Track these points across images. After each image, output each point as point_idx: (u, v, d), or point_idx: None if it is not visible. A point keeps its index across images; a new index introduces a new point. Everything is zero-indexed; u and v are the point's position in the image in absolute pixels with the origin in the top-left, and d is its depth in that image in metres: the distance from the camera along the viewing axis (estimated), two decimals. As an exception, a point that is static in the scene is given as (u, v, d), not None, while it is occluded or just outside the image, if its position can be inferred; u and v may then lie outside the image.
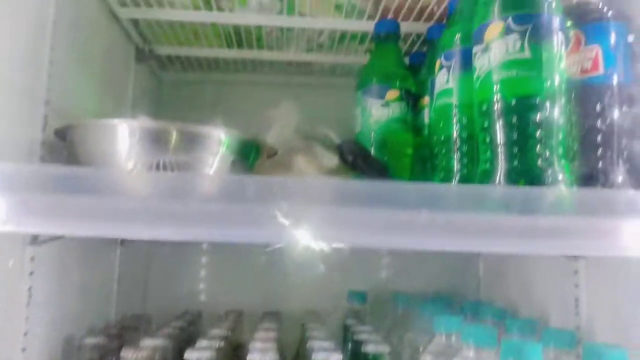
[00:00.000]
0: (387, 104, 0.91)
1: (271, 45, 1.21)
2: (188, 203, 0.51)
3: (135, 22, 1.11)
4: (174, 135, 0.65)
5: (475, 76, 0.64)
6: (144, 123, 0.66)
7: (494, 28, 0.62)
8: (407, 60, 1.09)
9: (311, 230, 0.50)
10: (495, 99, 0.61)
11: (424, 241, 0.52)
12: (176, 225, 0.52)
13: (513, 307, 1.04)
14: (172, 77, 1.40)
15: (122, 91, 1.14)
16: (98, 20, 0.99)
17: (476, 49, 0.64)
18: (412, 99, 0.92)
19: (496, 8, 0.62)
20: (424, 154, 0.88)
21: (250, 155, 0.74)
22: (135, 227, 0.52)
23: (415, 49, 1.15)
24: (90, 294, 0.96)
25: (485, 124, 0.63)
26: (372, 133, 0.91)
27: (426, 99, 0.89)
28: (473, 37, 0.65)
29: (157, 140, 0.65)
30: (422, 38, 1.09)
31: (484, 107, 0.63)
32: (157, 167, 0.64)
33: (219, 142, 0.68)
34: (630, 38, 0.66)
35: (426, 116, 0.89)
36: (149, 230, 0.52)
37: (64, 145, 0.72)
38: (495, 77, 0.61)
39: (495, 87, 0.61)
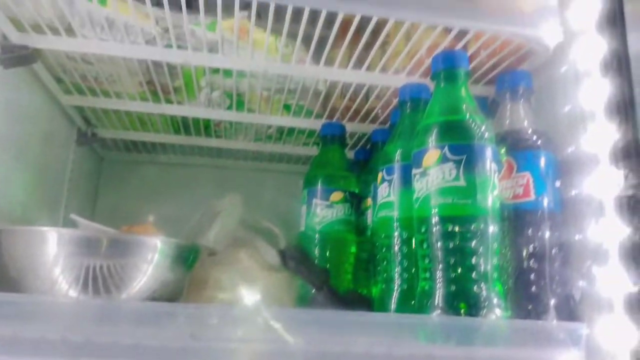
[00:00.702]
0: (331, 205, 0.95)
1: (219, 134, 1.24)
2: (113, 333, 0.52)
3: (80, 108, 1.13)
4: (105, 244, 0.66)
5: (414, 197, 0.70)
6: (74, 232, 0.67)
7: (432, 155, 0.67)
8: (352, 155, 1.16)
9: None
10: (433, 223, 0.66)
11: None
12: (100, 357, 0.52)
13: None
14: (114, 157, 1.41)
15: (59, 172, 1.15)
16: (38, 107, 1.01)
17: (415, 171, 0.70)
18: (356, 200, 0.97)
19: (433, 137, 0.68)
20: (367, 253, 0.93)
21: (188, 259, 0.75)
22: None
23: (360, 144, 1.21)
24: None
25: (424, 246, 0.68)
26: (316, 233, 0.95)
27: (369, 200, 0.93)
28: (412, 159, 0.71)
29: (87, 247, 0.66)
30: (367, 136, 1.15)
31: (423, 229, 0.68)
32: (87, 276, 0.65)
33: (153, 249, 0.69)
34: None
35: (369, 217, 0.93)
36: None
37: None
38: (433, 201, 0.66)
39: (433, 212, 0.66)
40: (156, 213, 0.85)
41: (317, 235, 0.95)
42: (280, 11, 0.74)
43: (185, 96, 1.04)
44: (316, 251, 0.94)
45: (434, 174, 0.67)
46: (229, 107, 1.08)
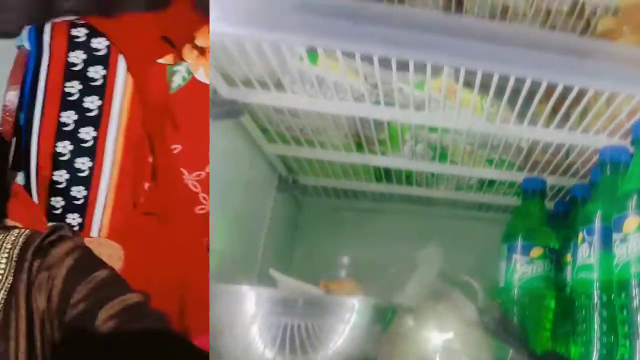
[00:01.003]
0: (531, 261, 0.99)
1: (420, 183, 1.32)
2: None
3: (283, 156, 1.24)
4: (303, 304, 0.71)
5: (614, 262, 0.74)
6: (272, 291, 0.73)
7: (632, 222, 0.71)
8: (551, 205, 1.19)
9: None
10: (633, 293, 0.70)
11: None
12: None
13: None
14: (313, 203, 1.50)
15: (259, 218, 1.24)
16: (241, 154, 1.09)
17: (615, 236, 0.74)
18: (556, 256, 1.01)
19: (633, 203, 0.72)
20: (566, 310, 0.96)
21: (384, 318, 0.79)
22: None
23: (559, 196, 1.25)
24: None
25: (624, 312, 0.72)
26: (515, 289, 1.00)
27: (569, 256, 0.97)
28: (613, 224, 0.75)
29: (284, 307, 0.70)
30: (566, 189, 1.20)
31: (622, 295, 0.72)
32: (284, 336, 0.69)
33: (351, 309, 0.73)
34: None
35: (569, 274, 0.97)
36: None
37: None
38: (633, 269, 0.70)
39: (633, 281, 0.70)
40: (354, 260, 0.91)
41: (516, 292, 1.00)
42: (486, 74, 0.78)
43: (389, 148, 1.13)
44: (515, 308, 0.99)
45: (634, 241, 0.70)
46: (432, 159, 1.15)
